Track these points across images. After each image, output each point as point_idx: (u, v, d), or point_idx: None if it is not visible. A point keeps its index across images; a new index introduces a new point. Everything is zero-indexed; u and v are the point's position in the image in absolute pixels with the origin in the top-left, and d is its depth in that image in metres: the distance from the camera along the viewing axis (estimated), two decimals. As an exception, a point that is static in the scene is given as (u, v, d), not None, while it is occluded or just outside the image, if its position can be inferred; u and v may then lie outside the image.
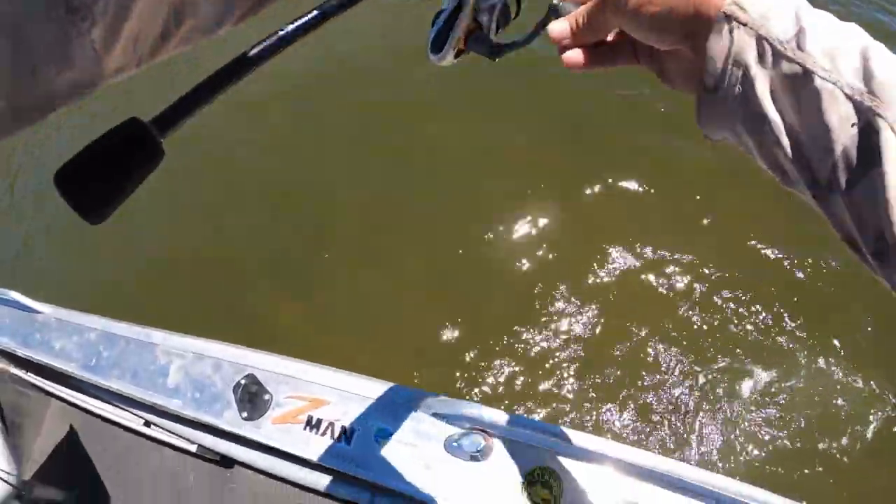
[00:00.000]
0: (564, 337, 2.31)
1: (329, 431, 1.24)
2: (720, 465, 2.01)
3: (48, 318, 1.85)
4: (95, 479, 1.87)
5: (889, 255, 0.31)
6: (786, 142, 0.35)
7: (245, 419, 1.38)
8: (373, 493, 1.21)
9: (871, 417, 2.05)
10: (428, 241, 2.61)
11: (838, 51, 0.33)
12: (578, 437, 1.09)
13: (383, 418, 1.20)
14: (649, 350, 2.24)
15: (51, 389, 1.80)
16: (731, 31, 0.35)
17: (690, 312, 2.29)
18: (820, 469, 1.98)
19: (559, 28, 0.44)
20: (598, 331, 2.31)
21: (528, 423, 1.10)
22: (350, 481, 1.23)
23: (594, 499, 1.09)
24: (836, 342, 2.19)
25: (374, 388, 1.24)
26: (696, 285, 2.34)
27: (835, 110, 0.32)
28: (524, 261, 2.51)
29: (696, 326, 2.27)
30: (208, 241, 2.87)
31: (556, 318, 2.35)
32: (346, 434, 1.22)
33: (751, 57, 0.35)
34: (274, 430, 1.32)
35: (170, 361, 1.60)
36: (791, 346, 2.20)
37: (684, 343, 2.24)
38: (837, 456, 1.99)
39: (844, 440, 2.02)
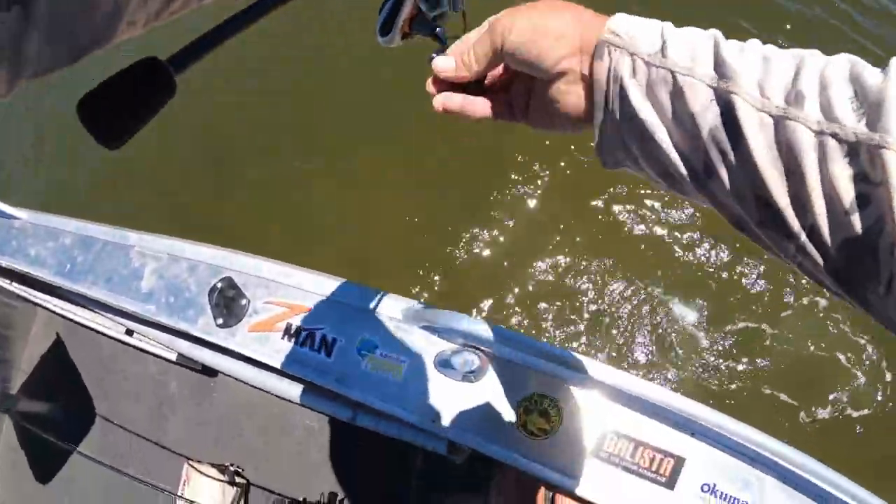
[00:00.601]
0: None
1: (309, 342, 1.07)
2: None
3: (24, 223, 1.71)
4: (80, 388, 1.81)
5: (769, 220, 0.33)
6: (663, 138, 0.38)
7: (220, 326, 1.21)
8: (355, 410, 1.05)
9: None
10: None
11: (696, 52, 0.37)
12: (583, 363, 0.90)
13: (368, 329, 1.02)
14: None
15: (35, 299, 1.68)
16: (609, 54, 0.39)
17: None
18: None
19: (443, 64, 0.46)
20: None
21: (527, 344, 0.90)
22: (332, 396, 1.08)
23: (592, 431, 0.93)
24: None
25: (361, 295, 1.05)
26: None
27: (697, 99, 0.36)
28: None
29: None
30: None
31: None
32: (327, 345, 1.05)
33: (626, 72, 0.38)
34: (250, 338, 1.16)
35: (144, 264, 1.44)
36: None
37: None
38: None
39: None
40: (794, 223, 0.32)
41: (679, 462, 0.93)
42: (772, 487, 0.99)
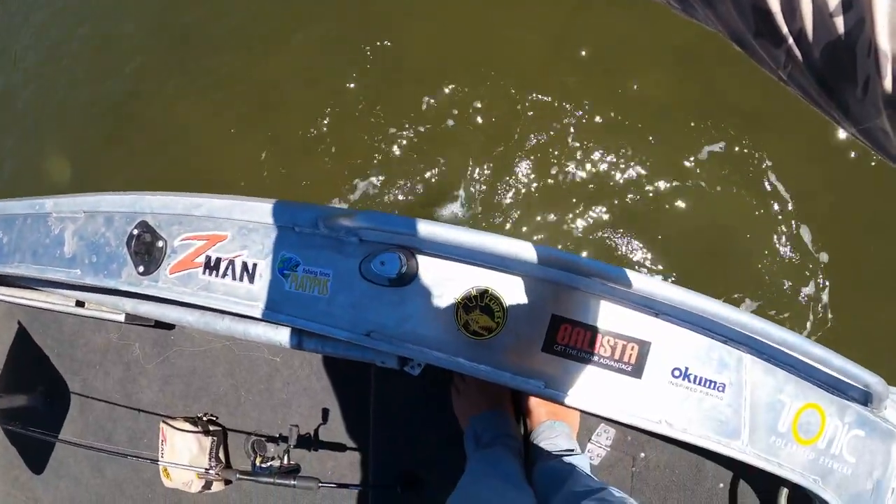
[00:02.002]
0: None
1: (230, 271, 0.96)
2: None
3: None
4: (51, 371, 1.80)
5: (763, 28, 0.34)
6: None
7: (142, 274, 1.10)
8: (299, 336, 0.96)
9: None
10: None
11: None
12: (522, 249, 0.77)
13: (287, 246, 0.90)
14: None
15: None
16: None
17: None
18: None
19: None
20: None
21: (459, 235, 0.78)
22: (273, 324, 0.99)
23: (541, 324, 0.83)
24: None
25: (276, 211, 0.93)
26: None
27: None
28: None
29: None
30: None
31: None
32: (248, 272, 0.93)
33: None
34: (173, 280, 1.05)
35: (64, 228, 1.33)
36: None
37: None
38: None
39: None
40: (784, 28, 0.33)
41: (644, 347, 0.84)
42: (750, 365, 0.91)
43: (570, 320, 0.81)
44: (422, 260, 0.82)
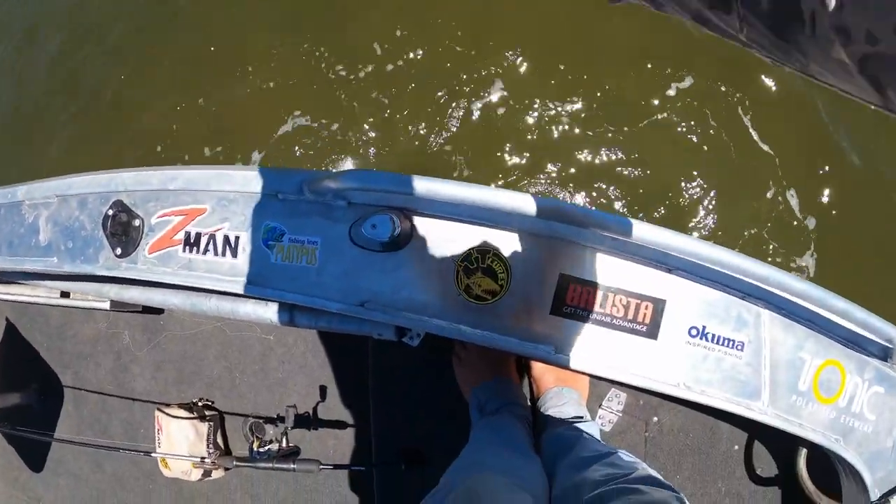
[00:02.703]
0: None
1: (211, 246, 0.89)
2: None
3: None
4: (43, 366, 1.75)
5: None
6: None
7: (120, 257, 1.04)
8: (291, 312, 0.90)
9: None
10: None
11: None
12: (519, 200, 0.71)
13: (270, 215, 0.83)
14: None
15: None
16: None
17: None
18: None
19: None
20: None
21: (454, 190, 0.71)
22: (263, 301, 0.93)
23: (549, 285, 0.77)
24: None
25: (256, 179, 0.86)
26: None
27: None
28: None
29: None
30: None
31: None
32: (231, 245, 0.87)
33: None
34: (152, 260, 0.99)
35: (38, 215, 1.26)
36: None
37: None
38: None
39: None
40: None
41: (659, 305, 0.78)
42: (768, 322, 0.85)
43: (580, 279, 0.75)
44: (416, 221, 0.76)
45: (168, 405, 1.49)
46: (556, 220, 0.71)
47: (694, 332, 0.81)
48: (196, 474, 1.42)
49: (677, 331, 0.80)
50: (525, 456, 0.89)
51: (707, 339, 0.81)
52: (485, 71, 2.00)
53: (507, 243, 0.75)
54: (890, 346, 0.91)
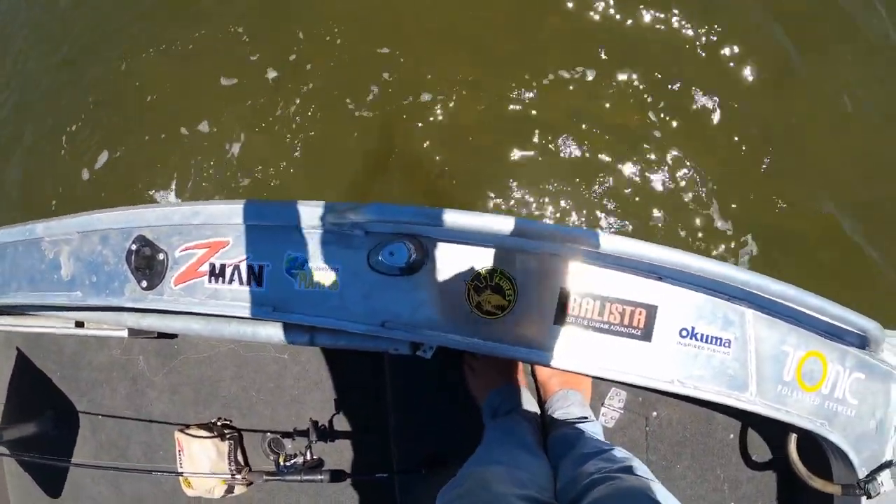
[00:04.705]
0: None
1: (236, 277, 0.96)
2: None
3: None
4: (57, 394, 1.79)
5: None
6: None
7: (146, 289, 1.10)
8: (311, 333, 0.97)
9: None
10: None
11: None
12: (520, 225, 0.80)
13: (292, 245, 0.91)
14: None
15: None
16: None
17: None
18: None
19: None
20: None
21: (462, 218, 0.79)
22: (285, 326, 1.00)
23: (551, 298, 0.85)
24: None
25: (276, 212, 0.93)
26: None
27: None
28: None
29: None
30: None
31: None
32: (255, 274, 0.94)
33: None
34: (178, 291, 1.05)
35: (59, 251, 1.31)
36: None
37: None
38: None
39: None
40: None
41: (651, 311, 0.86)
42: (752, 320, 0.93)
43: (579, 292, 0.83)
44: (429, 246, 0.83)
45: (188, 426, 1.55)
46: (554, 241, 0.79)
47: (684, 332, 0.89)
48: (220, 491, 1.47)
49: (669, 333, 0.88)
50: (533, 454, 0.97)
51: (697, 339, 0.89)
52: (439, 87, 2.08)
53: (512, 262, 0.83)
54: (866, 335, 0.99)
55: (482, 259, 0.83)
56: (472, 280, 0.82)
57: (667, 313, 0.87)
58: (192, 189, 2.31)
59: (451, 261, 0.83)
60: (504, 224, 0.77)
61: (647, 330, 0.86)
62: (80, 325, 1.53)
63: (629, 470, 0.79)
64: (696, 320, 0.89)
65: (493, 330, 0.83)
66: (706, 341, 0.90)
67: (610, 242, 0.79)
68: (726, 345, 0.92)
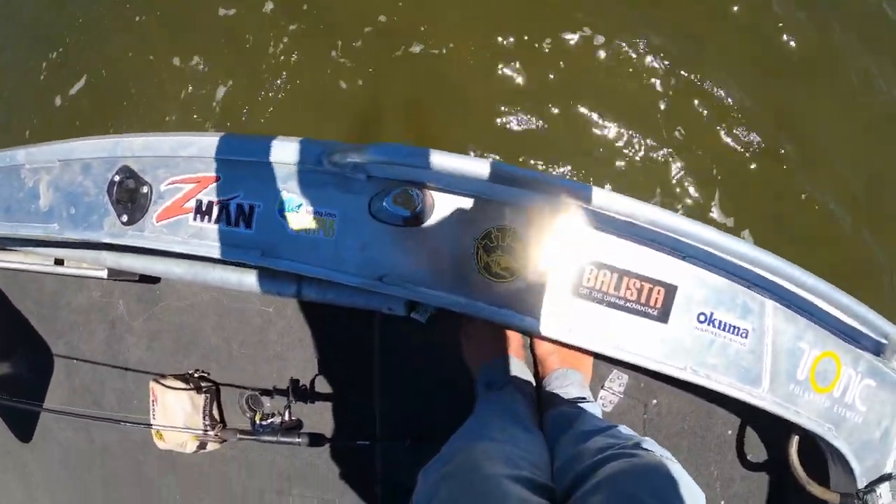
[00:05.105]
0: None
1: (224, 216, 0.89)
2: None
3: None
4: (34, 335, 1.72)
5: None
6: None
7: (126, 224, 1.02)
8: (299, 284, 0.90)
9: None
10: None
11: None
12: (546, 183, 0.71)
13: (287, 185, 0.83)
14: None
15: None
16: None
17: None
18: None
19: None
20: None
21: (475, 167, 0.71)
22: (271, 274, 0.93)
23: (566, 265, 0.78)
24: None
25: (275, 147, 0.85)
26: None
27: None
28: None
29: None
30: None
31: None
32: (245, 215, 0.86)
33: None
34: (160, 229, 0.97)
35: (38, 180, 1.23)
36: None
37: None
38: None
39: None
40: None
41: (671, 291, 0.80)
42: (772, 312, 0.88)
43: (597, 262, 0.77)
44: (437, 197, 0.76)
45: (164, 376, 1.48)
46: (576, 201, 0.72)
47: (702, 317, 0.83)
48: (192, 446, 1.42)
49: (687, 316, 0.82)
50: (528, 430, 0.91)
51: (714, 326, 0.83)
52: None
53: (527, 222, 0.76)
54: (884, 341, 0.94)
55: (494, 216, 0.76)
56: (482, 238, 0.75)
57: (686, 295, 0.81)
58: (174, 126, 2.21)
59: (460, 215, 0.76)
60: (522, 177, 0.69)
61: (665, 310, 0.80)
62: (59, 262, 1.45)
63: (644, 445, 0.73)
64: (716, 306, 0.83)
65: (500, 295, 0.76)
66: (724, 329, 0.84)
67: (635, 209, 0.72)
68: (743, 335, 0.86)
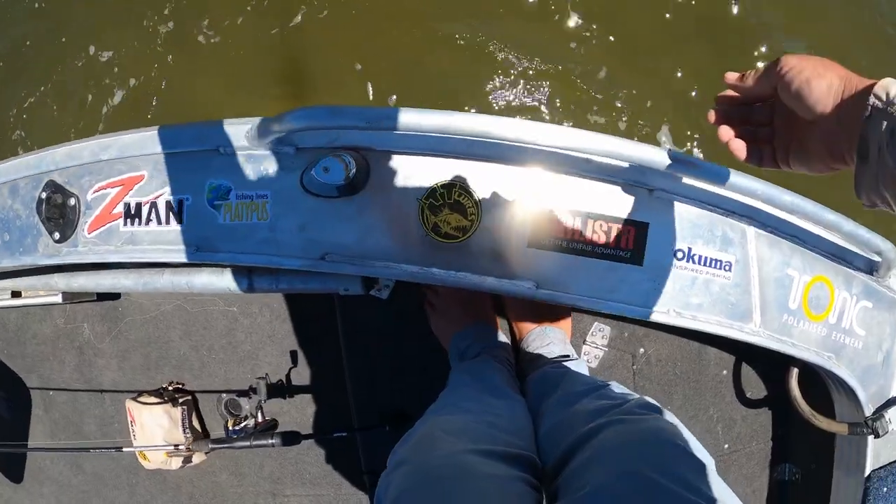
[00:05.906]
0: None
1: (154, 216, 0.81)
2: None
3: None
4: (7, 372, 1.65)
5: None
6: None
7: (58, 241, 0.95)
8: (249, 276, 0.83)
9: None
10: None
11: None
12: (486, 125, 0.64)
13: (214, 172, 0.76)
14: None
15: None
16: (883, 121, 0.44)
17: None
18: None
19: (730, 74, 0.59)
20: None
21: (408, 120, 0.63)
22: (218, 269, 0.86)
23: (523, 215, 0.72)
24: None
25: (194, 136, 0.77)
26: None
27: None
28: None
29: None
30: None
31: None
32: (174, 211, 0.79)
33: (886, 134, 0.44)
34: (92, 240, 0.90)
35: None
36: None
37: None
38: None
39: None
40: None
41: (641, 229, 0.73)
42: (754, 239, 0.82)
43: (555, 207, 0.70)
44: (373, 159, 0.69)
45: (140, 393, 1.42)
46: (524, 143, 0.65)
47: (680, 254, 0.77)
48: (176, 463, 1.36)
49: (662, 255, 0.76)
50: (505, 397, 0.84)
51: (694, 262, 0.78)
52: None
53: (475, 175, 0.69)
54: (877, 258, 0.88)
55: (437, 172, 0.69)
56: (426, 198, 0.68)
57: (659, 232, 0.75)
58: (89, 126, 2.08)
59: (400, 176, 0.69)
60: (462, 122, 0.62)
61: (638, 251, 0.73)
62: (16, 294, 1.38)
63: (643, 406, 0.66)
64: (693, 240, 0.77)
65: (454, 257, 0.70)
66: (705, 264, 0.78)
67: (590, 141, 0.65)
68: (726, 268, 0.80)
